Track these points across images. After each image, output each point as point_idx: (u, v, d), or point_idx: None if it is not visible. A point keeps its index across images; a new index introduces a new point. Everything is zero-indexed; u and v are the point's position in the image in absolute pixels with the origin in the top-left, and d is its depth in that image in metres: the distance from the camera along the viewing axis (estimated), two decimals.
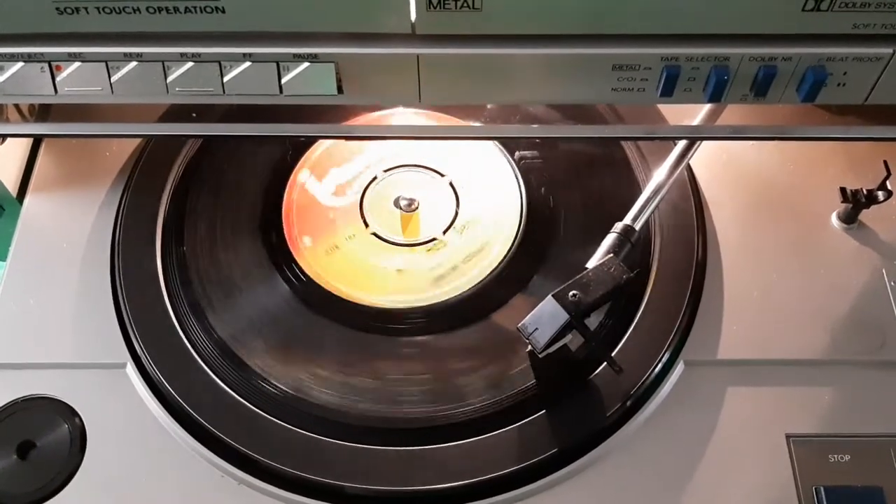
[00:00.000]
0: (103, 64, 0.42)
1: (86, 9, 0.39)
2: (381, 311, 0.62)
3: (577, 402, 0.56)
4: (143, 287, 0.61)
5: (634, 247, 0.57)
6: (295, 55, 0.41)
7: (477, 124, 0.69)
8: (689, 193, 0.64)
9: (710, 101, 0.43)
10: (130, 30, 0.40)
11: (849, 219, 0.64)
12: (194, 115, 0.64)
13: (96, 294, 0.61)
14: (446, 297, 0.62)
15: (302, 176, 0.69)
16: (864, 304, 0.61)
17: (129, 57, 0.41)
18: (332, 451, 0.55)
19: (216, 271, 0.63)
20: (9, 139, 0.67)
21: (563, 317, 0.52)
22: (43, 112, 0.68)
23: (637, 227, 0.57)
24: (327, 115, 0.65)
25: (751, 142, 0.68)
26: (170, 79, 0.42)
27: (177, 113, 0.65)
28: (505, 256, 0.64)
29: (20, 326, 0.60)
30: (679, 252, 0.62)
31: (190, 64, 0.42)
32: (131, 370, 0.58)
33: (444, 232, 0.66)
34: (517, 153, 0.69)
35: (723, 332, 0.59)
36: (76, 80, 0.42)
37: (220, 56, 0.41)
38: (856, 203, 0.63)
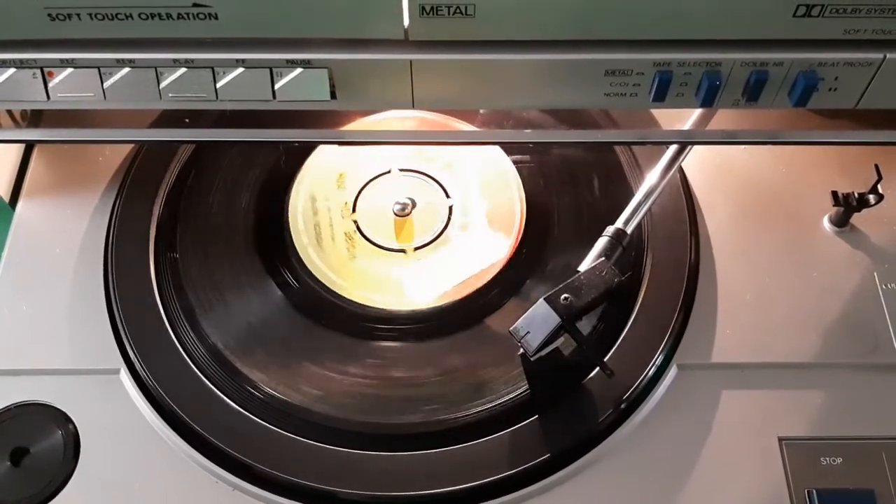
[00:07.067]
0: (96, 70, 0.42)
1: (78, 15, 0.39)
2: (374, 316, 0.62)
3: (570, 407, 0.56)
4: (137, 292, 0.61)
5: (626, 250, 0.57)
6: (288, 61, 0.41)
7: (471, 129, 0.69)
8: (682, 197, 0.64)
9: (702, 105, 0.43)
10: (123, 36, 0.40)
11: (841, 222, 0.64)
12: (187, 120, 0.64)
13: (90, 300, 0.61)
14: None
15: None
16: (856, 307, 0.61)
17: (121, 63, 0.41)
18: (325, 456, 0.55)
19: (209, 277, 0.63)
20: (1, 145, 0.67)
21: (554, 320, 0.52)
22: (35, 118, 0.68)
23: (628, 230, 0.57)
24: (321, 120, 0.65)
25: (743, 145, 0.68)
26: (162, 85, 0.42)
27: (169, 118, 0.65)
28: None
29: (13, 332, 0.60)
30: (672, 255, 0.62)
31: (183, 70, 0.42)
32: (125, 376, 0.58)
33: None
34: (510, 158, 0.69)
35: (716, 335, 0.60)
36: (68, 86, 0.42)
37: (213, 62, 0.41)
38: (847, 206, 0.63)
